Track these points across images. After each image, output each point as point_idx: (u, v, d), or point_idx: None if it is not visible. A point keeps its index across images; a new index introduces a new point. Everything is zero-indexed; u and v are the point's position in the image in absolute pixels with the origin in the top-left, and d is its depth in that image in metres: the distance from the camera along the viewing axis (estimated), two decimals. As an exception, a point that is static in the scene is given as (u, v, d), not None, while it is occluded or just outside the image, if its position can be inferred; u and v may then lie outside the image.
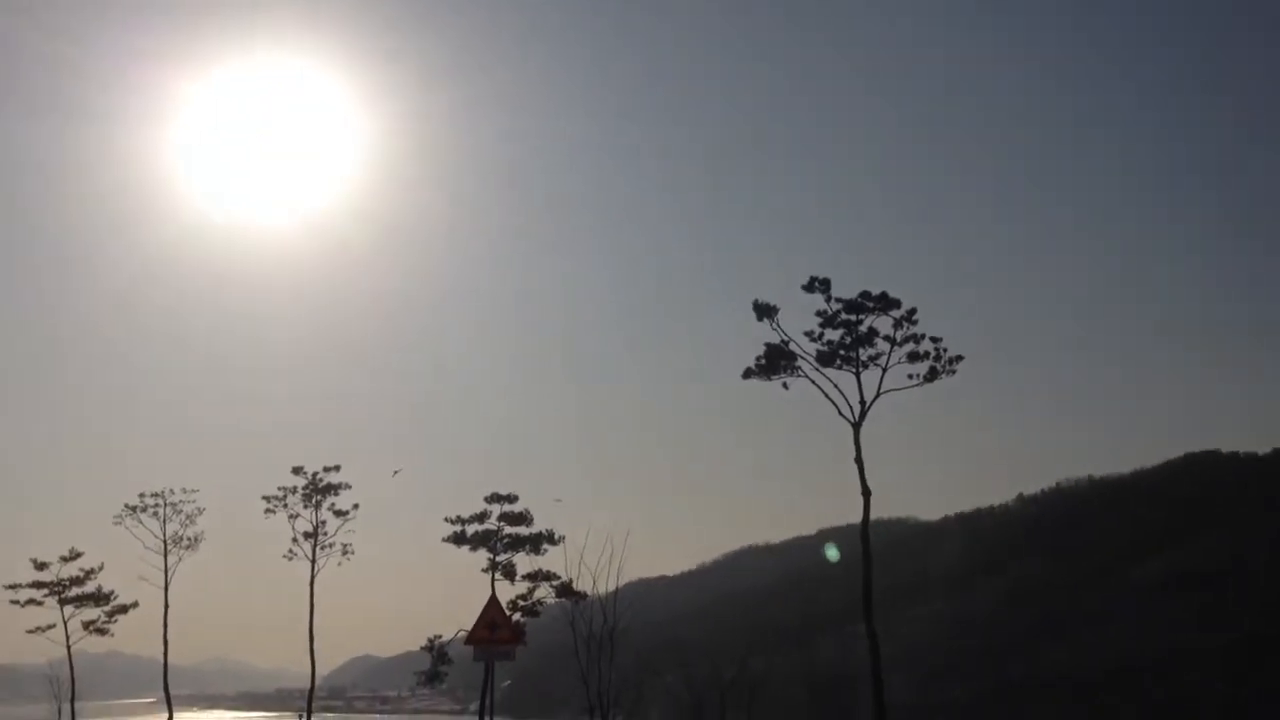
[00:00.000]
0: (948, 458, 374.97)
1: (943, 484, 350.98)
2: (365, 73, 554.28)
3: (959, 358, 30.16)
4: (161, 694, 59.13)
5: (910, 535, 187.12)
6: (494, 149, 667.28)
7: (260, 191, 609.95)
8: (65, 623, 63.85)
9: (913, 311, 29.92)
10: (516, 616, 40.53)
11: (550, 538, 41.93)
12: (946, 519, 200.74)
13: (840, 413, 30.15)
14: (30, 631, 65.32)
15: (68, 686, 65.92)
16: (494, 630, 30.68)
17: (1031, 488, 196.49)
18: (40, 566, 63.95)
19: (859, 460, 29.94)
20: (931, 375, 30.21)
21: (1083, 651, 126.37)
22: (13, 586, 65.82)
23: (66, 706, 66.36)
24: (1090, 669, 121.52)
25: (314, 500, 48.27)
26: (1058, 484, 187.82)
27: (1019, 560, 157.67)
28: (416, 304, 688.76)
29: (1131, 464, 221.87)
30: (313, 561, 48.18)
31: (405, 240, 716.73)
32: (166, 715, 56.44)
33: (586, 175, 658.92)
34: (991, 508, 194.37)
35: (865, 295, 29.95)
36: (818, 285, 30.16)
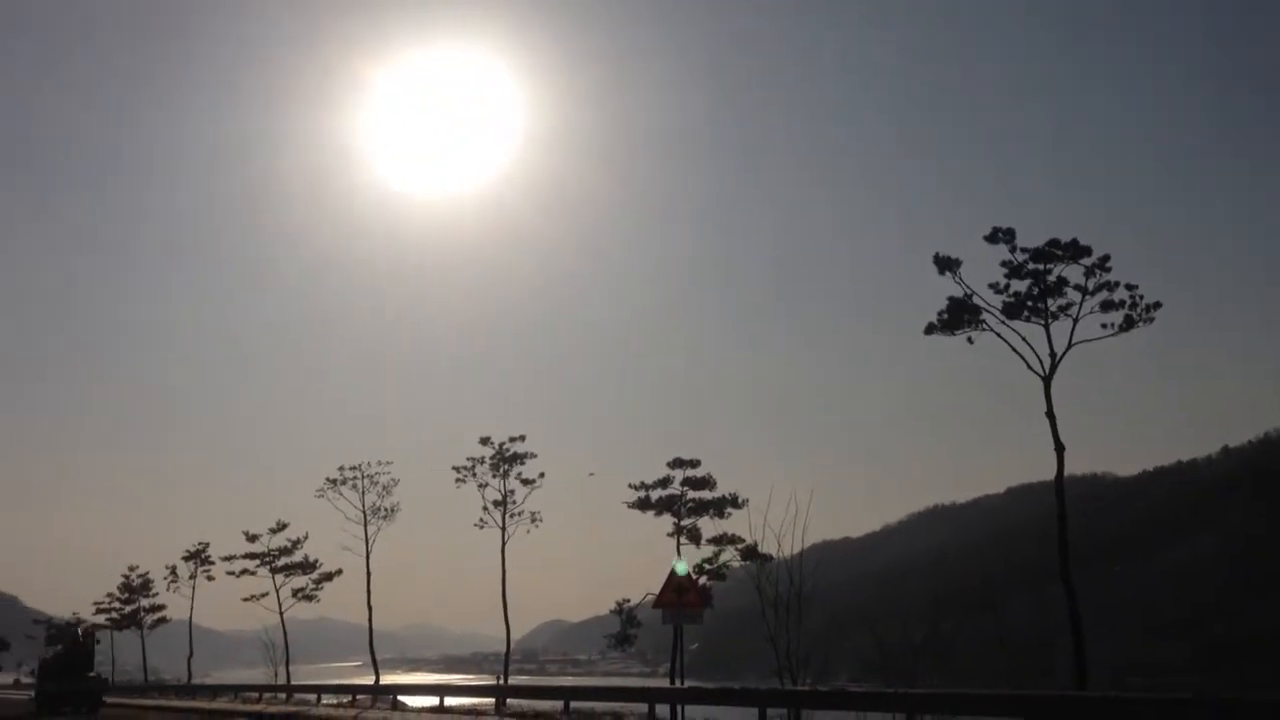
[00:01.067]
0: (1144, 409, 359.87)
1: (1139, 438, 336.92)
2: (528, 56, 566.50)
3: (1156, 304, 28.52)
4: (367, 657, 61.95)
5: (1106, 492, 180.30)
6: (653, 121, 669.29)
7: (435, 166, 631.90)
8: (277, 591, 67.94)
9: (1105, 258, 28.37)
10: (702, 580, 40.75)
11: (734, 501, 41.92)
12: (1144, 474, 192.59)
13: (1029, 366, 29.05)
14: (245, 600, 69.78)
15: (282, 651, 70.00)
16: (681, 594, 31.06)
17: (1236, 439, 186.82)
18: (252, 538, 68.12)
19: (1050, 414, 28.78)
20: (1127, 324, 28.60)
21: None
22: (229, 558, 70.41)
23: (282, 670, 70.43)
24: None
25: (502, 469, 49.50)
26: (1265, 434, 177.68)
27: (1224, 516, 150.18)
28: (586, 272, 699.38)
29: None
30: (503, 529, 49.49)
31: (569, 210, 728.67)
32: (373, 677, 59.07)
33: (752, 137, 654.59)
34: (1194, 461, 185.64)
35: (1053, 243, 28.58)
36: (1001, 236, 29.03)
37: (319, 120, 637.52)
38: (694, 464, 42.85)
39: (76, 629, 66.73)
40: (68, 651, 55.93)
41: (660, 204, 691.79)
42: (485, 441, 49.55)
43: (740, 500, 41.75)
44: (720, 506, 42.06)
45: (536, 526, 49.71)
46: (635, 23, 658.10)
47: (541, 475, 49.58)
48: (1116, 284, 28.55)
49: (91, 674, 54.56)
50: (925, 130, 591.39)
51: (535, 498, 49.68)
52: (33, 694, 58.33)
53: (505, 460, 49.35)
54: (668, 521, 42.70)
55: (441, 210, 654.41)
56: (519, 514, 49.54)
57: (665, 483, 42.88)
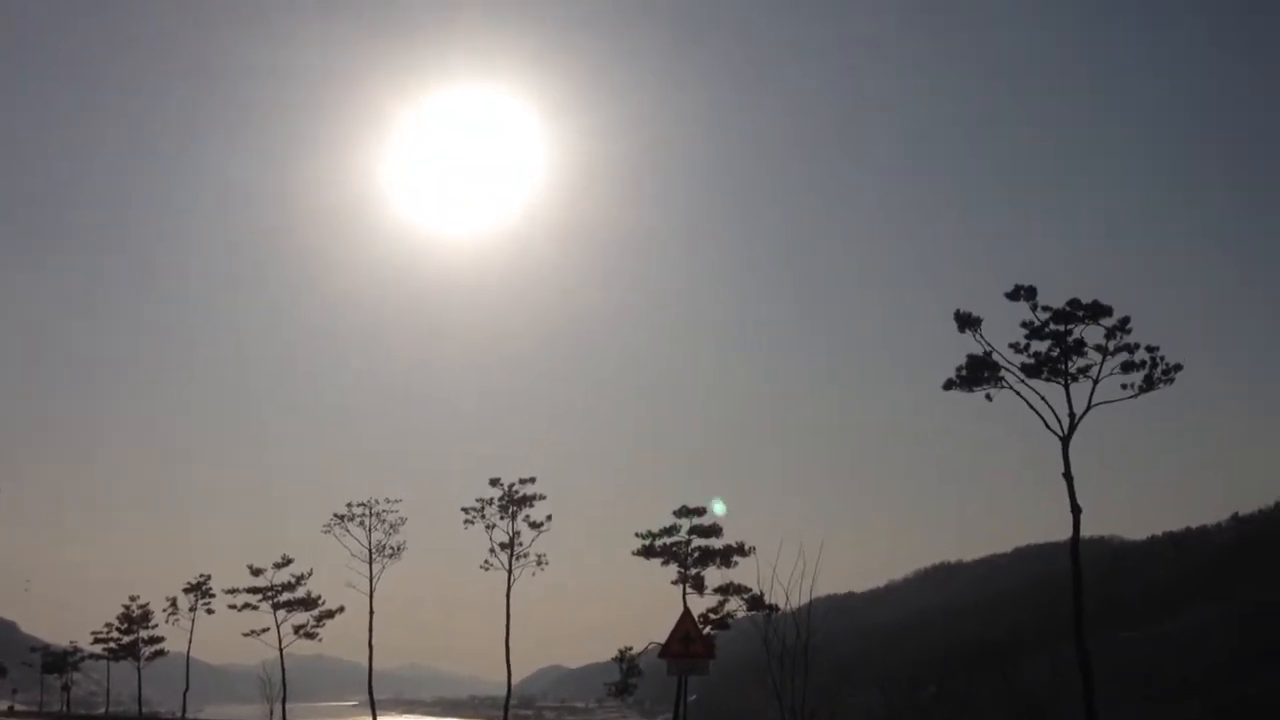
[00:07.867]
0: (1155, 473, 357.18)
1: (1149, 501, 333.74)
2: (549, 95, 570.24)
3: (1177, 367, 28.29)
4: (365, 697, 61.21)
5: (1114, 555, 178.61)
6: (673, 158, 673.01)
7: (457, 203, 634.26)
8: (278, 626, 67.11)
9: (1126, 320, 28.17)
10: (707, 629, 40.28)
11: (741, 550, 41.63)
12: (1154, 538, 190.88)
13: (1048, 426, 28.75)
14: (246, 635, 68.86)
15: (279, 687, 69.05)
16: (688, 644, 30.52)
17: (1247, 507, 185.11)
18: (256, 572, 67.38)
19: (1068, 475, 28.46)
20: (1147, 385, 28.39)
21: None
22: (231, 591, 69.63)
23: (278, 707, 69.48)
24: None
25: (510, 511, 49.19)
26: (1277, 502, 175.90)
27: (1234, 583, 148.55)
28: (603, 313, 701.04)
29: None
30: (509, 572, 49.08)
31: (590, 249, 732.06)
32: (370, 718, 58.31)
33: (772, 179, 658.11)
34: (1204, 527, 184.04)
35: (1074, 304, 28.44)
36: (1023, 294, 28.85)
37: (344, 157, 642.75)
38: (700, 512, 42.59)
39: None
40: None
41: (681, 243, 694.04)
42: (495, 483, 49.33)
43: (747, 548, 41.45)
44: (727, 555, 41.78)
45: (542, 569, 49.34)
46: (651, 60, 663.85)
47: (549, 518, 49.35)
48: (1137, 345, 28.35)
49: None
50: (955, 182, 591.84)
51: (541, 540, 49.32)
52: None
53: (514, 502, 49.08)
54: (673, 569, 42.39)
55: (463, 248, 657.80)
56: (525, 556, 49.13)
57: (671, 530, 42.58)
